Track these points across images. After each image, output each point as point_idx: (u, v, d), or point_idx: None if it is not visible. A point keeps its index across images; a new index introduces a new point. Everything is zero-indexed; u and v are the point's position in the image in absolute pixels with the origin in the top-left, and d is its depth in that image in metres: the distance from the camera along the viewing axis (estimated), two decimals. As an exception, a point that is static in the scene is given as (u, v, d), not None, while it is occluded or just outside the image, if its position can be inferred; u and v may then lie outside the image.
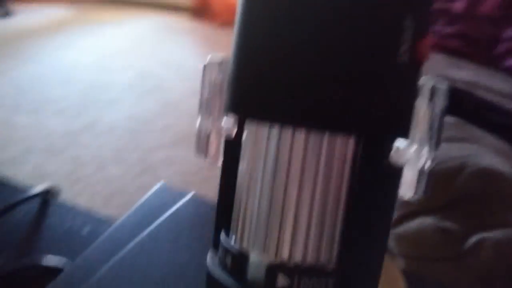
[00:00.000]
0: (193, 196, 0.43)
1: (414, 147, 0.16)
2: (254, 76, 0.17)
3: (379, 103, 0.16)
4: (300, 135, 0.17)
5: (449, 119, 0.70)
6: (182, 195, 0.43)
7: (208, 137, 0.19)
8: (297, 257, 0.17)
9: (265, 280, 0.17)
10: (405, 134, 0.16)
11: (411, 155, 0.16)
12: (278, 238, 0.17)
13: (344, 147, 0.17)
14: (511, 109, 0.81)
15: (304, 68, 0.16)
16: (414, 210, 0.61)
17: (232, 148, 0.19)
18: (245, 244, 0.18)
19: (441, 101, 0.16)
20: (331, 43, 0.15)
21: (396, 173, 0.17)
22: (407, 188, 0.17)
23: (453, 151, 0.67)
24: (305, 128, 0.16)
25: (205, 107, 0.19)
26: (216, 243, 0.20)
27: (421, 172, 0.16)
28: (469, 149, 0.69)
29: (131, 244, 0.37)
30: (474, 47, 1.32)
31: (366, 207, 0.17)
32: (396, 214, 0.61)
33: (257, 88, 0.17)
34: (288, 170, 0.17)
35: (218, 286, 0.18)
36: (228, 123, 0.19)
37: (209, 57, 0.19)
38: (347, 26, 0.15)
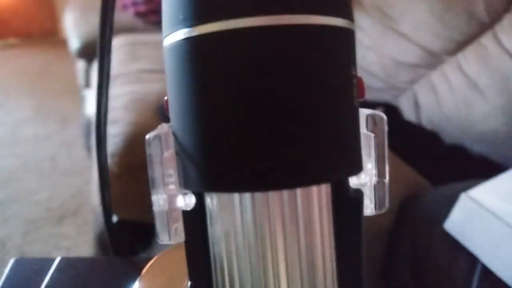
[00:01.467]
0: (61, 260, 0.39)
1: (367, 173, 0.17)
2: (214, 148, 0.16)
3: (343, 148, 0.16)
4: (274, 196, 0.16)
5: None
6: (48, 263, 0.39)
7: (167, 215, 0.17)
8: None
9: None
10: (361, 167, 0.17)
11: (366, 180, 0.17)
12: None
13: (318, 196, 0.16)
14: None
15: (266, 131, 0.15)
16: None
17: (194, 220, 0.18)
18: None
19: (382, 128, 0.17)
20: (292, 101, 0.15)
21: (359, 199, 0.17)
22: (369, 206, 0.18)
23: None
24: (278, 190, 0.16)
25: (156, 185, 0.17)
26: None
27: (376, 188, 0.17)
28: None
29: None
30: None
31: (345, 240, 0.17)
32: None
33: (220, 160, 0.16)
34: (270, 230, 0.16)
35: None
36: (186, 198, 0.18)
37: (149, 133, 0.17)
38: (304, 84, 0.15)
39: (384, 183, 0.17)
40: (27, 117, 2.26)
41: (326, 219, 0.17)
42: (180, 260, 0.38)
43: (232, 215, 0.16)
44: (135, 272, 0.37)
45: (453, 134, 0.98)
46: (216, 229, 0.17)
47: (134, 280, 0.36)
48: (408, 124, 1.06)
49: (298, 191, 0.16)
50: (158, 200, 0.17)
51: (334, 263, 0.17)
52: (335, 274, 0.17)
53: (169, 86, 0.17)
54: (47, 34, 3.29)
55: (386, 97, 1.24)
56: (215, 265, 0.18)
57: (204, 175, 0.16)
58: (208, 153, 0.16)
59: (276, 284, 0.16)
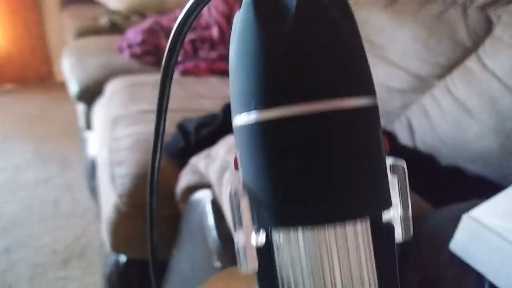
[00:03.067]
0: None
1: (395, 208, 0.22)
2: (281, 195, 0.21)
3: (378, 191, 0.21)
4: (329, 230, 0.21)
5: None
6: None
7: (245, 250, 0.22)
8: None
9: None
10: (391, 203, 0.22)
11: (394, 213, 0.22)
12: None
13: (361, 229, 0.21)
14: None
15: (321, 184, 0.20)
16: None
17: (265, 254, 0.22)
18: None
19: (403, 172, 0.22)
20: (343, 162, 0.20)
21: (392, 229, 0.22)
22: (398, 236, 0.22)
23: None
24: (333, 224, 0.21)
25: (237, 227, 0.22)
26: None
27: (403, 221, 0.22)
28: None
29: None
30: None
31: (386, 258, 0.22)
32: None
33: (286, 202, 0.21)
34: (328, 259, 0.21)
35: None
36: (259, 235, 0.22)
37: (230, 187, 0.22)
38: (351, 150, 0.21)
39: (408, 214, 0.22)
40: (27, 162, 2.28)
41: (368, 248, 0.21)
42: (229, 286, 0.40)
43: (296, 247, 0.21)
44: None
45: (448, 155, 1.02)
46: (282, 259, 0.22)
47: None
48: (404, 148, 1.10)
49: (347, 225, 0.21)
50: (239, 238, 0.22)
51: (377, 284, 0.22)
52: (375, 282, 0.22)
53: (242, 152, 0.22)
54: (42, 79, 3.35)
55: (381, 123, 1.29)
56: (280, 280, 0.22)
57: (273, 214, 0.21)
58: (276, 198, 0.21)
59: None
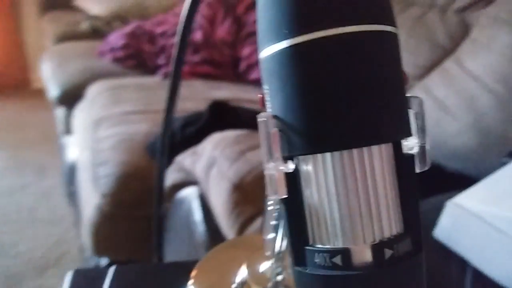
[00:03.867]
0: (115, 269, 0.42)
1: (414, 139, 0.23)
2: (313, 120, 0.21)
3: (401, 117, 0.22)
4: (356, 153, 0.22)
5: (238, 133, 0.84)
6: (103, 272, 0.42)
7: (276, 179, 0.22)
8: (386, 233, 0.22)
9: (373, 258, 0.22)
10: (411, 132, 0.23)
11: (415, 144, 0.23)
12: (368, 226, 0.22)
13: (386, 154, 0.23)
14: None
15: (353, 105, 0.21)
16: (254, 214, 0.74)
17: (293, 182, 0.23)
18: (339, 242, 0.22)
19: (421, 106, 0.23)
20: (378, 84, 0.21)
21: (411, 159, 0.23)
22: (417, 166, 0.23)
23: (257, 157, 0.82)
24: (362, 147, 0.22)
25: (268, 155, 0.22)
26: (299, 260, 0.23)
27: (421, 151, 0.23)
28: None
29: None
30: (222, 68, 1.57)
31: (407, 182, 0.23)
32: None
33: (319, 126, 0.21)
34: (355, 179, 0.22)
35: (340, 283, 0.22)
36: (288, 162, 0.23)
37: (262, 115, 0.23)
38: (378, 71, 0.22)
39: (424, 147, 0.23)
40: (2, 169, 2.23)
41: (391, 172, 0.23)
42: (227, 258, 0.41)
43: (324, 172, 0.22)
44: (184, 275, 0.39)
45: (429, 153, 1.04)
46: (310, 186, 0.23)
47: (184, 282, 0.39)
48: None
49: (373, 149, 0.22)
50: (269, 167, 0.22)
51: (400, 207, 0.23)
52: (400, 214, 0.23)
53: (272, 83, 0.23)
54: (19, 86, 3.29)
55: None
56: (310, 214, 0.23)
57: (305, 141, 0.22)
58: (309, 124, 0.21)
59: (359, 222, 0.22)
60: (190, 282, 0.38)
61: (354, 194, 0.22)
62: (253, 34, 1.65)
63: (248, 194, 0.78)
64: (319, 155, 0.22)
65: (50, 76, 1.77)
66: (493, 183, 0.67)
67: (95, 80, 1.60)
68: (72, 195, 1.59)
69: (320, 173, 0.22)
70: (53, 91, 1.67)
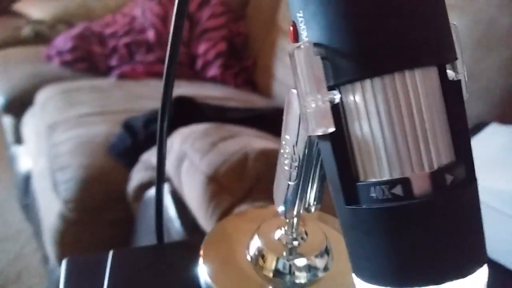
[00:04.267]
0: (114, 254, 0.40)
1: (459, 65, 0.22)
2: (365, 45, 0.20)
3: (449, 40, 0.22)
4: (408, 76, 0.21)
5: (206, 126, 0.86)
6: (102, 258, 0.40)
7: (322, 112, 0.21)
8: (443, 160, 0.22)
9: (435, 185, 0.21)
10: (457, 56, 0.22)
11: (460, 70, 0.22)
12: (426, 152, 0.21)
13: (433, 75, 0.22)
14: (238, 107, 1.17)
15: (414, 22, 0.20)
16: (232, 203, 0.73)
17: (338, 111, 0.22)
18: (396, 173, 0.21)
19: (458, 34, 0.22)
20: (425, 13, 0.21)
21: (459, 84, 0.23)
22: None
23: (230, 147, 0.81)
24: (407, 68, 0.21)
25: (311, 86, 0.21)
26: (351, 198, 0.22)
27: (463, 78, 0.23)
28: (240, 141, 0.82)
29: None
30: (178, 66, 1.59)
31: (456, 111, 0.22)
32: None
33: (369, 51, 0.20)
34: (409, 104, 0.21)
35: (402, 214, 0.21)
36: (333, 93, 0.22)
37: (297, 45, 0.21)
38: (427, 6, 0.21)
39: (464, 77, 0.23)
40: None
41: (440, 97, 0.22)
42: (233, 232, 0.39)
43: (375, 99, 0.21)
44: (187, 254, 0.38)
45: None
46: (358, 116, 0.21)
47: (189, 260, 0.37)
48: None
49: (424, 71, 0.21)
50: (311, 100, 0.21)
51: (449, 129, 0.22)
52: (450, 137, 0.22)
53: (308, 7, 0.21)
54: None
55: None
56: (358, 148, 0.22)
57: (357, 65, 0.20)
58: (360, 46, 0.20)
59: (416, 149, 0.21)
60: (201, 259, 0.37)
61: (409, 120, 0.21)
62: (207, 31, 1.63)
63: (223, 184, 0.76)
64: (367, 82, 0.21)
65: (-7, 84, 1.67)
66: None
67: (44, 85, 1.52)
68: (27, 207, 1.51)
69: (370, 101, 0.21)
70: (-2, 99, 1.57)
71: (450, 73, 0.22)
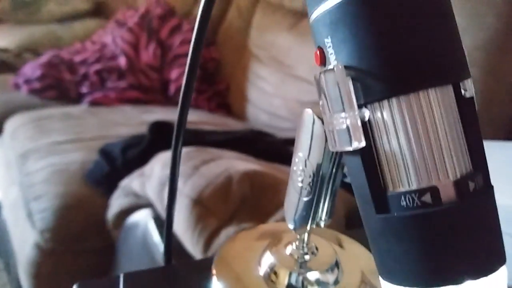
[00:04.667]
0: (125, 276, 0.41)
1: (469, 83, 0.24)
2: (394, 65, 0.22)
3: (463, 58, 0.24)
4: (432, 93, 0.23)
5: (187, 149, 0.89)
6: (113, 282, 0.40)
7: (353, 128, 0.23)
8: (463, 169, 0.24)
9: (459, 192, 0.23)
10: (470, 75, 0.25)
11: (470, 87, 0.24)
12: (450, 162, 0.23)
13: (450, 93, 0.24)
14: (216, 130, 1.21)
15: (431, 48, 0.23)
16: (218, 226, 0.74)
17: (366, 127, 0.24)
18: (424, 182, 0.23)
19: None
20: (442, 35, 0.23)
21: (472, 100, 0.25)
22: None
23: (213, 170, 0.83)
24: (430, 86, 0.23)
25: (342, 106, 0.23)
26: (381, 207, 0.24)
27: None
28: (222, 164, 0.86)
29: None
30: (150, 93, 1.65)
31: (471, 125, 0.24)
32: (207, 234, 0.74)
33: (398, 71, 0.22)
34: (424, 120, 0.23)
35: (431, 220, 0.23)
36: (362, 111, 0.23)
37: (327, 68, 0.23)
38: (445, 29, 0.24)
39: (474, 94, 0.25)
40: None
41: (456, 110, 0.24)
42: (242, 250, 0.40)
43: (401, 115, 0.23)
44: (198, 273, 0.38)
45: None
46: (388, 132, 0.23)
47: (200, 280, 0.37)
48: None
49: (444, 88, 0.23)
50: (339, 120, 0.23)
51: (465, 141, 0.24)
52: (466, 148, 0.24)
53: (336, 34, 0.23)
54: None
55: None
56: (387, 161, 0.24)
57: (386, 85, 0.22)
58: (388, 67, 0.22)
59: (441, 159, 0.23)
60: (214, 278, 0.37)
61: (433, 134, 0.23)
62: (179, 56, 1.65)
63: (208, 207, 0.76)
64: (394, 100, 0.23)
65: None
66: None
67: (12, 113, 1.49)
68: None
69: (397, 117, 0.23)
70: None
71: (463, 90, 0.25)
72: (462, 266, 0.23)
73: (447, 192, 0.23)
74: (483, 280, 0.23)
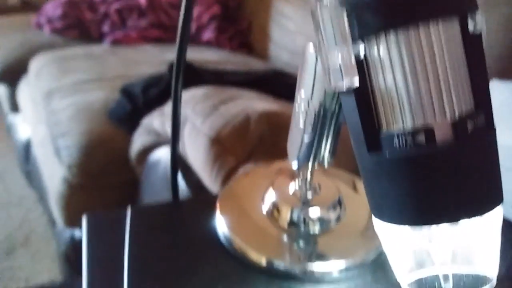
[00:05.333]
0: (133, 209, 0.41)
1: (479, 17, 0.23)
2: None
3: None
4: (432, 27, 0.21)
5: (206, 89, 0.87)
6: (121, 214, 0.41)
7: (348, 65, 0.22)
8: (463, 108, 0.22)
9: (456, 132, 0.22)
10: (477, 8, 0.23)
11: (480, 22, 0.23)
12: (448, 100, 0.22)
13: (455, 27, 0.22)
14: (236, 70, 1.20)
15: None
16: (236, 164, 0.75)
17: (361, 63, 0.22)
18: (419, 121, 0.22)
19: None
20: None
21: (480, 36, 0.23)
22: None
23: (231, 109, 0.83)
24: (432, 18, 0.21)
25: (336, 40, 0.22)
26: (374, 147, 0.23)
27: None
28: (241, 103, 0.85)
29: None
30: (171, 31, 1.59)
31: (476, 62, 0.23)
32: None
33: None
34: (423, 55, 0.21)
35: (425, 162, 0.22)
36: (358, 46, 0.22)
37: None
38: None
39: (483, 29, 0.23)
40: None
41: (461, 48, 0.23)
42: (248, 187, 0.42)
43: (399, 51, 0.22)
44: (204, 209, 0.40)
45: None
46: (384, 70, 0.22)
47: (206, 215, 0.39)
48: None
49: (447, 22, 0.22)
50: (335, 56, 0.22)
51: (469, 79, 0.23)
52: (470, 87, 0.23)
53: None
54: None
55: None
56: (382, 100, 0.23)
57: (383, 16, 0.21)
58: (385, 0, 0.21)
59: (439, 97, 0.22)
60: (218, 212, 0.39)
61: (432, 70, 0.21)
62: (200, -6, 1.61)
63: (226, 146, 0.78)
64: (391, 33, 0.21)
65: (-16, 53, 1.65)
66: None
67: (36, 53, 1.51)
68: (29, 174, 1.52)
69: (394, 52, 0.22)
70: (-9, 68, 1.56)
71: (470, 24, 0.23)
72: (454, 204, 0.22)
73: (443, 133, 0.22)
74: (477, 219, 0.23)
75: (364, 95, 0.23)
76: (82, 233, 0.40)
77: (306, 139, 0.32)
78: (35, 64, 1.44)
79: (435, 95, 0.22)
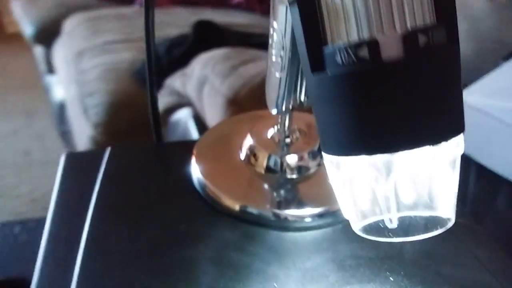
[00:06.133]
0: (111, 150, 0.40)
1: None
2: None
3: None
4: None
5: (227, 50, 0.83)
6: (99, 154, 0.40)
7: None
8: (418, 21, 0.19)
9: (406, 47, 0.19)
10: None
11: None
12: (398, 11, 0.19)
13: None
14: (262, 32, 1.12)
15: None
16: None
17: None
18: (364, 33, 0.19)
19: None
20: None
21: None
22: None
23: (251, 70, 0.81)
24: None
25: None
26: (317, 64, 0.20)
27: None
28: (260, 65, 0.84)
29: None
30: None
31: None
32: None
33: None
34: None
35: (368, 80, 0.19)
36: None
37: None
38: None
39: None
40: (-10, 116, 2.18)
41: None
42: (227, 134, 0.40)
43: None
44: (184, 153, 0.39)
45: None
46: None
47: (185, 160, 0.38)
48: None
49: None
50: None
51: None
52: (433, 2, 0.20)
53: None
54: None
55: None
56: (327, 11, 0.20)
57: None
58: None
59: (387, 7, 0.19)
60: (193, 158, 0.38)
61: None
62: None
63: (243, 107, 0.77)
64: None
65: (22, 15, 1.69)
66: (495, 79, 0.66)
67: (70, 14, 1.53)
68: (64, 134, 1.57)
69: None
70: (27, 30, 1.60)
71: None
72: (404, 131, 0.19)
73: (390, 47, 0.19)
74: (430, 149, 0.20)
75: (309, 6, 0.20)
76: (58, 171, 0.40)
77: (281, 75, 0.30)
78: (68, 25, 1.46)
79: (384, 5, 0.19)
